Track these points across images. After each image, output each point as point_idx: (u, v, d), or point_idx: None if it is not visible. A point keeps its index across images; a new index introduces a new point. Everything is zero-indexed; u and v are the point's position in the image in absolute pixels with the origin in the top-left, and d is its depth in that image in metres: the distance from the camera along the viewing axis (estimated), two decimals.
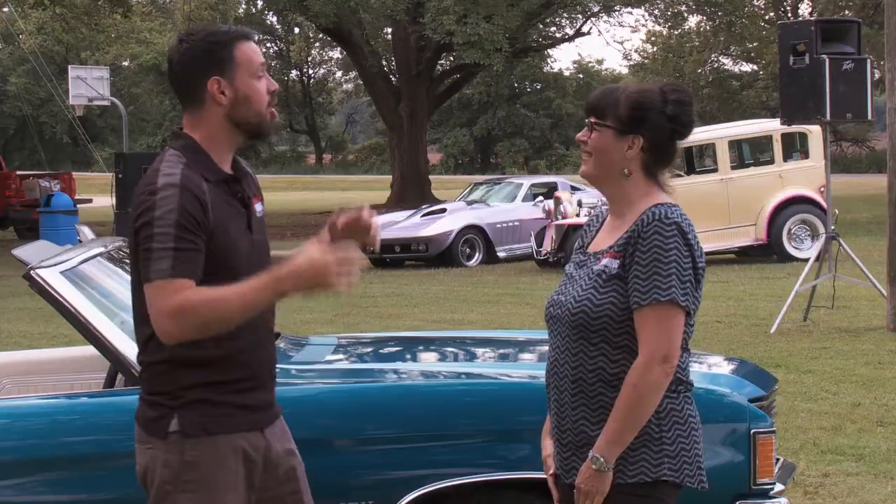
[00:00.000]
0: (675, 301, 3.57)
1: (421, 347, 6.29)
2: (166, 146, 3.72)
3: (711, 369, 5.45)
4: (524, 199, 23.79)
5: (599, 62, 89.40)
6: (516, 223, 23.28)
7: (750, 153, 22.75)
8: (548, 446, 3.86)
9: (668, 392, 3.64)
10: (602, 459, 3.59)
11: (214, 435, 3.60)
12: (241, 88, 3.64)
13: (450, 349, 6.19)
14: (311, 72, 77.43)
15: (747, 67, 60.53)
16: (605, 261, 3.67)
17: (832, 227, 13.64)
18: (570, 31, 43.00)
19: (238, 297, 3.46)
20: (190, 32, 3.69)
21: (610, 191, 3.76)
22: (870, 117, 13.91)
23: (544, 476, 3.88)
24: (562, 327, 3.72)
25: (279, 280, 3.45)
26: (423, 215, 23.93)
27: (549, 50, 53.96)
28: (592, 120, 3.72)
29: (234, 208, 3.65)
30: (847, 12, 39.53)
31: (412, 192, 36.70)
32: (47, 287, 4.65)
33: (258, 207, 3.75)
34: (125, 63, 70.24)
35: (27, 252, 5.13)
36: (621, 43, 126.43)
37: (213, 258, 3.55)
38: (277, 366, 3.83)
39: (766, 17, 50.35)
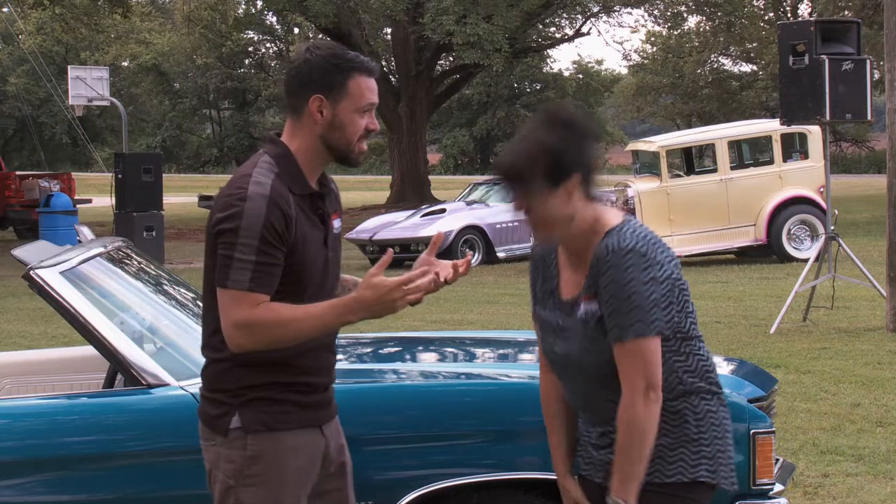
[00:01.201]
0: (640, 334, 3.53)
1: (421, 347, 6.29)
2: (261, 150, 3.76)
3: None
4: None
5: (599, 62, 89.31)
6: (516, 223, 23.23)
7: (749, 153, 22.74)
8: (572, 487, 3.81)
9: (705, 395, 3.66)
10: (622, 502, 3.58)
11: (275, 431, 3.68)
12: (339, 115, 3.69)
13: (449, 349, 6.19)
14: None
15: (747, 68, 60.48)
16: (583, 307, 3.64)
17: (832, 228, 13.63)
18: (569, 32, 42.95)
19: (310, 319, 3.58)
20: (317, 45, 3.76)
21: (566, 240, 3.66)
22: (869, 118, 13.90)
23: (544, 476, 3.87)
24: (573, 373, 3.72)
25: (349, 309, 3.58)
26: (423, 215, 23.92)
27: (548, 50, 53.91)
28: (519, 190, 3.58)
29: (313, 224, 3.71)
30: (847, 12, 39.46)
31: (412, 193, 36.69)
32: (47, 287, 4.66)
33: (336, 224, 3.82)
34: (125, 63, 70.21)
35: (27, 252, 5.13)
36: (621, 43, 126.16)
37: (288, 272, 3.62)
38: None
39: (766, 18, 50.33)
